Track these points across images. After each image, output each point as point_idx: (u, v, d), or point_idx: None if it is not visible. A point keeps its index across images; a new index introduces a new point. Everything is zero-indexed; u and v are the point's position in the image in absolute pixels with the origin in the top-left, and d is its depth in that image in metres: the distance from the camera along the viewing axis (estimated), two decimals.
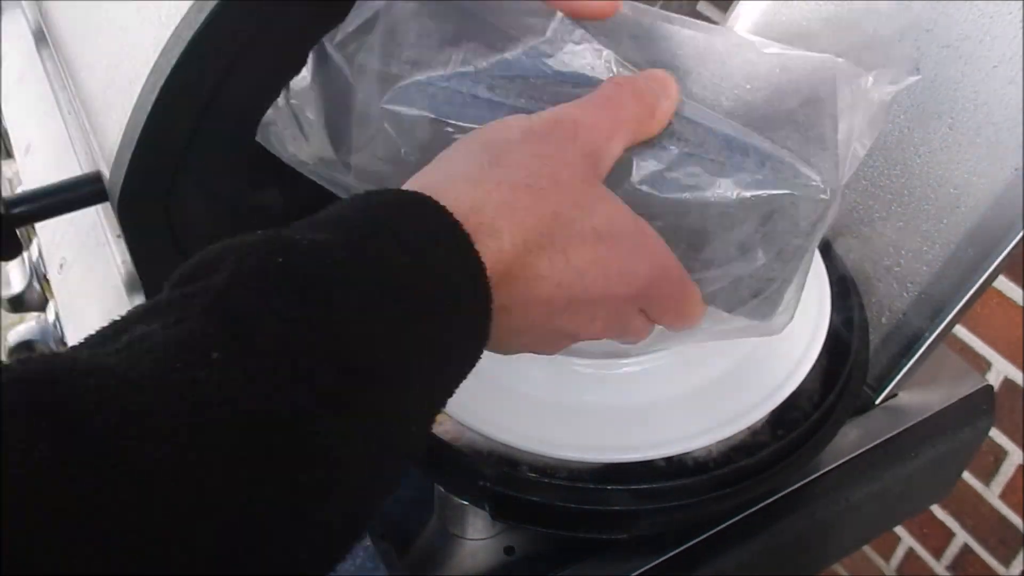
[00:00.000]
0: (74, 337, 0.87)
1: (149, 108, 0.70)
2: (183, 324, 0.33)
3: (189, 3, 0.69)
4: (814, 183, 0.48)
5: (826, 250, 0.73)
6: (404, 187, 0.42)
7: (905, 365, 0.73)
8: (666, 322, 0.51)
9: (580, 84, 0.50)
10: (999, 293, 1.20)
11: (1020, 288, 1.18)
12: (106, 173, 0.77)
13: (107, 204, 0.80)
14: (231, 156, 0.76)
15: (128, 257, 0.81)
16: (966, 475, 1.35)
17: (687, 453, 0.62)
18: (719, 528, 0.66)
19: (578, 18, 0.50)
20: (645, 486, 0.60)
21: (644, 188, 0.48)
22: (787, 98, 0.51)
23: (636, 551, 0.65)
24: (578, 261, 0.44)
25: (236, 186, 0.78)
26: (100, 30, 0.84)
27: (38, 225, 1.00)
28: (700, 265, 0.50)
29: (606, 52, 0.50)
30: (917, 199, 0.73)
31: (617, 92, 0.47)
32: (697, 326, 0.52)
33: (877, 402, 0.75)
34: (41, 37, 1.08)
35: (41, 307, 1.00)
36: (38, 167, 1.01)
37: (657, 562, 0.65)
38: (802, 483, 0.70)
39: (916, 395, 0.76)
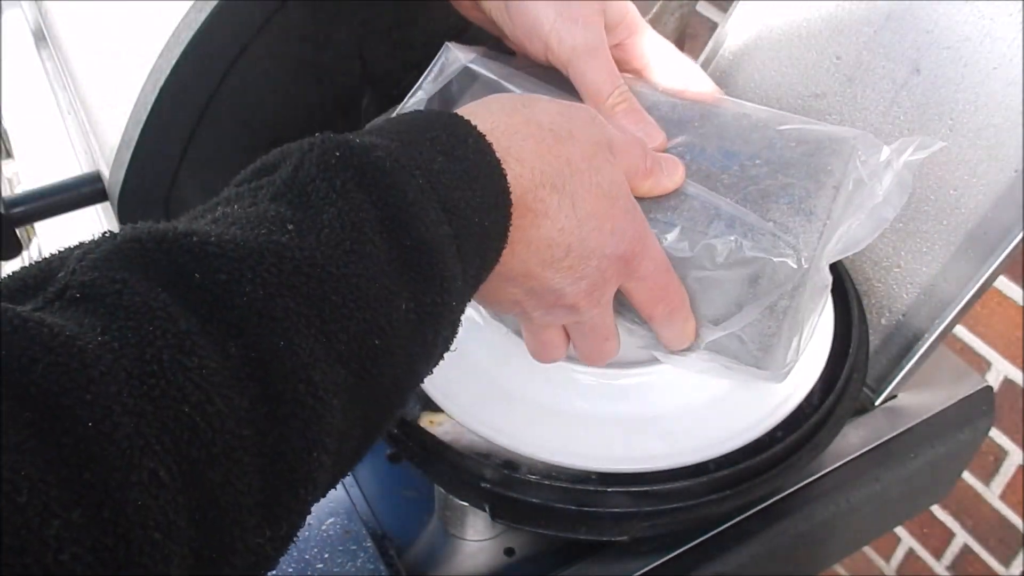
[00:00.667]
0: None
1: (149, 108, 0.70)
2: (256, 207, 0.38)
3: (188, 4, 0.69)
4: (788, 253, 0.53)
5: None
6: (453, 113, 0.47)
7: (905, 366, 0.73)
8: (647, 308, 0.54)
9: None
10: (999, 293, 1.20)
11: (1020, 288, 1.17)
12: (106, 173, 0.77)
13: (107, 204, 0.80)
14: (231, 155, 0.76)
15: None
16: (966, 475, 1.35)
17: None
18: (719, 530, 0.66)
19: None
20: (645, 488, 0.60)
21: None
22: (792, 170, 0.56)
23: (636, 553, 0.65)
24: (581, 210, 0.48)
25: None
26: (99, 31, 0.84)
27: (38, 225, 1.00)
28: (703, 319, 0.57)
29: None
30: (917, 200, 0.73)
31: (638, 141, 0.55)
32: (696, 350, 0.59)
33: (877, 403, 0.75)
34: (41, 37, 1.08)
35: None
36: (38, 167, 1.01)
37: (657, 564, 0.65)
38: (802, 484, 0.70)
39: (916, 396, 0.76)
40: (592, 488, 0.60)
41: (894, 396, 0.76)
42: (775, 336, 0.57)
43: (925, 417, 0.75)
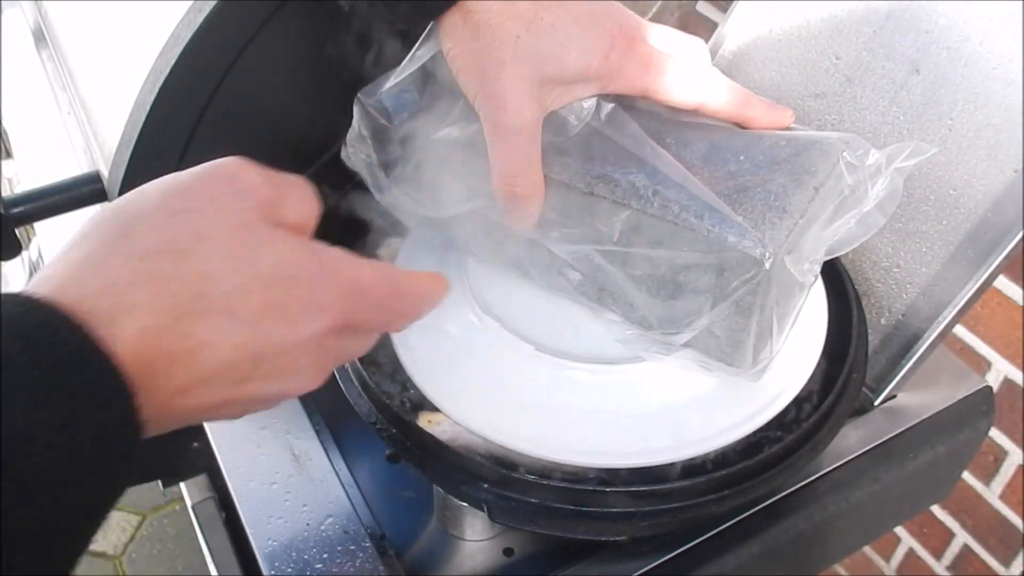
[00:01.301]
0: None
1: (148, 108, 0.70)
2: None
3: (188, 4, 0.69)
4: (752, 245, 0.54)
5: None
6: (33, 281, 0.38)
7: (904, 366, 0.73)
8: (383, 329, 0.50)
9: None
10: (999, 293, 1.20)
11: (1020, 288, 1.17)
12: (105, 173, 0.77)
13: (106, 204, 0.80)
14: (230, 155, 0.76)
15: None
16: (966, 475, 1.35)
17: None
18: (719, 529, 0.66)
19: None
20: (644, 488, 0.59)
21: (619, 247, 0.58)
22: (775, 168, 0.57)
23: (635, 553, 0.65)
24: (248, 315, 0.40)
25: None
26: (99, 31, 0.84)
27: (37, 225, 1.00)
28: (680, 313, 0.59)
29: None
30: (916, 200, 0.73)
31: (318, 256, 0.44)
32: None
33: (876, 403, 0.75)
34: (41, 37, 1.08)
35: None
36: (37, 167, 1.01)
37: (656, 564, 0.65)
38: (802, 484, 0.70)
39: (915, 396, 0.76)
40: (591, 488, 0.60)
41: (894, 396, 0.76)
42: (743, 332, 0.57)
43: (925, 417, 0.75)
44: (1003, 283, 1.19)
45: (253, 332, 0.40)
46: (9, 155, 1.10)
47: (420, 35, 0.59)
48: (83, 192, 0.78)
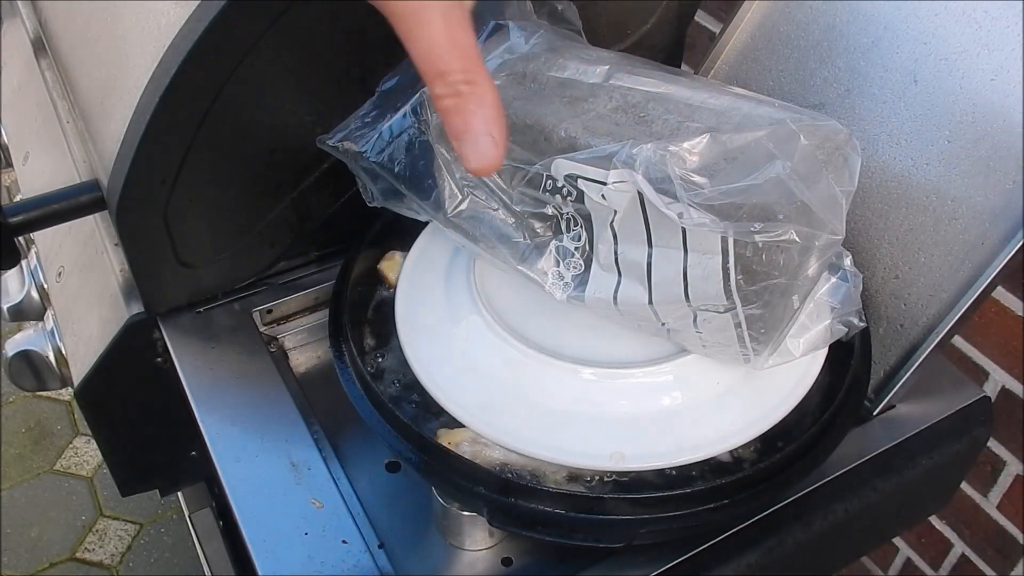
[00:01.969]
0: (73, 346, 0.87)
1: (148, 116, 0.70)
2: None
3: (187, 14, 0.69)
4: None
5: None
6: None
7: (903, 376, 0.73)
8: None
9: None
10: (998, 304, 1.20)
11: (1019, 299, 1.18)
12: (104, 181, 0.77)
13: (105, 212, 0.80)
14: (230, 164, 0.76)
15: (126, 265, 0.81)
16: (964, 485, 1.35)
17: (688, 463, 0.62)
18: (717, 539, 0.66)
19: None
20: (643, 495, 0.59)
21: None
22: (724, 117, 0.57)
23: (633, 563, 0.65)
24: None
25: (234, 195, 0.78)
26: (99, 40, 0.84)
27: (36, 234, 1.00)
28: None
29: None
30: (915, 210, 0.73)
31: None
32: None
33: (875, 413, 0.75)
34: (40, 46, 1.08)
35: (39, 316, 1.00)
36: (37, 176, 1.01)
37: (654, 574, 0.65)
38: (801, 494, 0.70)
39: (914, 406, 0.76)
40: (591, 494, 0.60)
41: (892, 406, 0.76)
42: (760, 321, 0.57)
43: (923, 427, 0.75)
44: (1001, 294, 1.19)
45: None
46: (8, 164, 1.11)
47: None
48: (82, 201, 0.78)
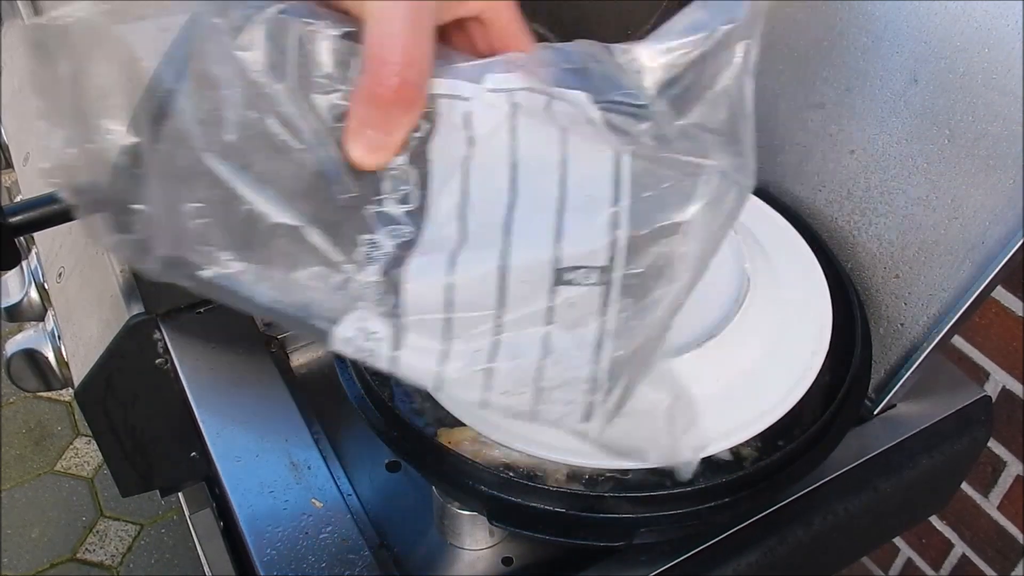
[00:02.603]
0: (73, 346, 0.87)
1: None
2: None
3: (189, 12, 0.69)
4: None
5: (826, 259, 0.73)
6: None
7: (903, 376, 0.73)
8: None
9: None
10: (998, 304, 1.20)
11: (1019, 299, 1.18)
12: None
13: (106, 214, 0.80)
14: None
15: (127, 266, 0.81)
16: (964, 486, 1.35)
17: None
18: (718, 538, 0.66)
19: None
20: (643, 494, 0.59)
21: None
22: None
23: (633, 562, 0.65)
24: None
25: (235, 195, 0.78)
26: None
27: (37, 234, 1.00)
28: None
29: None
30: (915, 210, 0.73)
31: None
32: None
33: (875, 413, 0.75)
34: None
35: (40, 316, 1.00)
36: (37, 177, 1.01)
37: (654, 574, 0.65)
38: (801, 493, 0.70)
39: (914, 406, 0.76)
40: (591, 493, 0.60)
41: (892, 406, 0.76)
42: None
43: (923, 427, 0.75)
44: (1002, 294, 1.19)
45: None
46: (8, 165, 1.11)
47: None
48: None
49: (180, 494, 0.97)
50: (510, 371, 0.43)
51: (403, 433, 0.63)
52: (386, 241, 0.43)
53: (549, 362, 0.43)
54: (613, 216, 0.41)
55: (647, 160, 0.41)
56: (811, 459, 0.63)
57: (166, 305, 0.81)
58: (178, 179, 0.44)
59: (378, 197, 0.43)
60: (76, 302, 0.89)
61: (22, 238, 1.04)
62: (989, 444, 1.27)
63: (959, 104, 0.71)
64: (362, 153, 0.42)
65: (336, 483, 0.69)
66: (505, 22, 0.45)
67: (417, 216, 0.43)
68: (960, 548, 1.43)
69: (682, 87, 0.43)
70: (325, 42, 0.41)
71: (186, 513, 0.94)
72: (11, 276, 1.02)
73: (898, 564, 1.55)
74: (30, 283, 1.00)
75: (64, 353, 0.90)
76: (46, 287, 0.97)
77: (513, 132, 0.41)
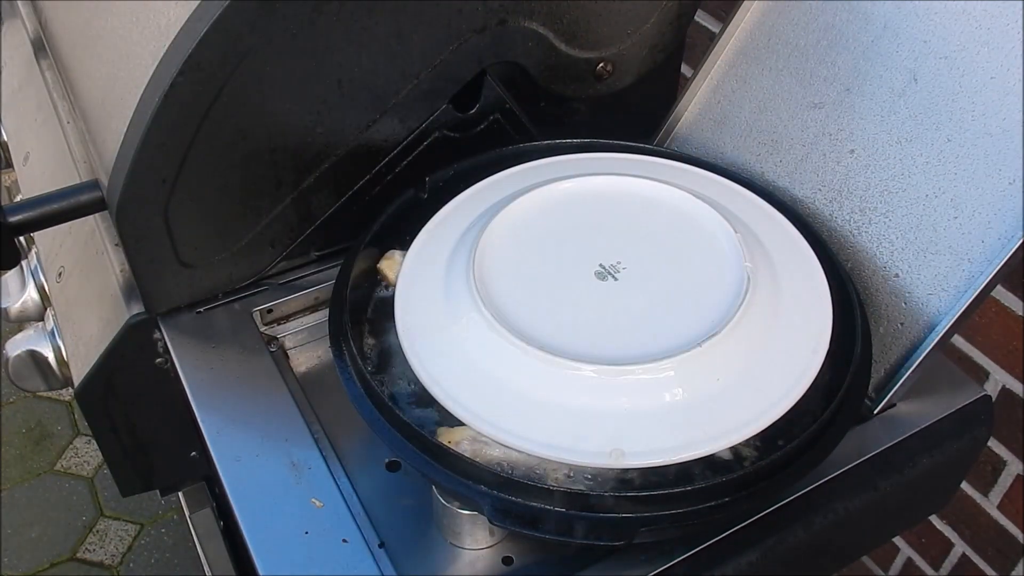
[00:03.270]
0: (73, 346, 0.87)
1: (148, 117, 0.70)
2: None
3: (187, 14, 0.69)
4: None
5: (826, 259, 0.73)
6: None
7: (903, 375, 0.73)
8: None
9: None
10: (998, 303, 1.20)
11: (1019, 299, 1.17)
12: (104, 181, 0.77)
13: (105, 212, 0.80)
14: (229, 164, 0.76)
15: (127, 266, 0.81)
16: (964, 485, 1.35)
17: (688, 461, 0.62)
18: (718, 538, 0.66)
19: None
20: (644, 493, 0.59)
21: None
22: None
23: (633, 561, 0.65)
24: None
25: (234, 195, 0.78)
26: (99, 40, 0.84)
27: (37, 234, 1.00)
28: None
29: None
30: (915, 209, 0.73)
31: None
32: None
33: (876, 412, 0.75)
34: (40, 47, 1.08)
35: (40, 316, 1.00)
36: (37, 176, 1.01)
37: (654, 573, 0.65)
38: (801, 493, 0.70)
39: (914, 405, 0.76)
40: (592, 492, 0.60)
41: (893, 405, 0.76)
42: None
43: (924, 426, 0.75)
44: (1002, 294, 1.19)
45: None
46: (8, 164, 1.11)
47: None
48: (82, 201, 0.78)
49: (180, 494, 0.97)
50: None
51: (403, 433, 0.63)
52: None
53: None
54: None
55: None
56: (811, 459, 0.63)
57: (166, 305, 0.81)
58: None
59: None
60: (76, 302, 0.89)
61: (22, 238, 1.04)
62: (989, 443, 1.27)
63: (959, 104, 0.71)
64: None
65: (336, 483, 0.69)
66: None
67: None
68: (960, 547, 1.43)
69: None
70: None
71: (186, 513, 0.94)
72: (11, 275, 1.02)
73: (898, 564, 1.55)
74: (30, 282, 1.00)
75: (64, 353, 0.90)
76: (46, 287, 0.97)
77: None
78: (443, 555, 0.69)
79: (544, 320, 0.66)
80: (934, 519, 1.44)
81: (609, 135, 0.87)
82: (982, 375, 1.25)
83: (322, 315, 0.85)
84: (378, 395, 0.65)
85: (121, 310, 0.81)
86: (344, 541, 0.65)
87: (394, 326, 0.69)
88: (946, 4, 0.72)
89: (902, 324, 0.74)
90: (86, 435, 2.13)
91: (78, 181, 0.82)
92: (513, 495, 0.59)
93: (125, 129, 0.73)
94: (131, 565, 1.91)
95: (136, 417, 0.86)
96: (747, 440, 0.62)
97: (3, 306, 1.02)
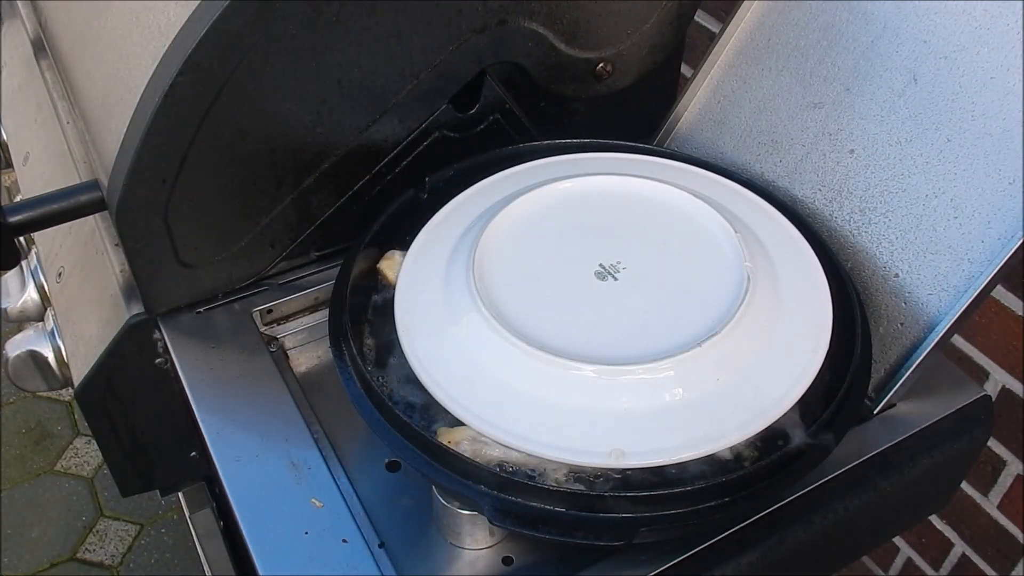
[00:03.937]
0: (73, 346, 0.87)
1: (148, 117, 0.70)
2: None
3: (187, 14, 0.69)
4: None
5: (826, 259, 0.73)
6: None
7: (903, 375, 0.73)
8: None
9: None
10: (998, 303, 1.20)
11: (1019, 299, 1.18)
12: (104, 182, 0.77)
13: (105, 213, 0.80)
14: (229, 164, 0.76)
15: (127, 266, 0.81)
16: (964, 485, 1.35)
17: (688, 461, 0.62)
18: (718, 538, 0.66)
19: None
20: (644, 493, 0.59)
21: None
22: None
23: (633, 562, 0.65)
24: None
25: (235, 195, 0.78)
26: (99, 40, 0.84)
27: (37, 234, 1.00)
28: None
29: None
30: (915, 209, 0.73)
31: None
32: None
33: (875, 412, 0.75)
34: (40, 47, 1.08)
35: (39, 316, 1.00)
36: (37, 176, 1.01)
37: (654, 573, 0.65)
38: (801, 493, 0.70)
39: (914, 405, 0.76)
40: (591, 492, 0.60)
41: (893, 405, 0.76)
42: None
43: (924, 426, 0.75)
44: (1002, 294, 1.19)
45: None
46: (8, 164, 1.11)
47: None
48: (82, 201, 0.78)
49: (180, 494, 0.97)
50: None
51: (403, 433, 0.63)
52: None
53: None
54: None
55: None
56: (811, 459, 0.63)
57: (166, 305, 0.81)
58: None
59: None
60: (76, 302, 0.89)
61: (22, 238, 1.04)
62: (989, 443, 1.27)
63: (959, 104, 0.71)
64: None
65: (336, 483, 0.69)
66: None
67: None
68: (960, 547, 1.43)
69: None
70: None
71: (186, 513, 0.94)
72: (11, 275, 1.02)
73: (898, 563, 1.55)
74: (30, 283, 1.00)
75: (64, 353, 0.90)
76: (46, 287, 0.97)
77: None
78: (443, 555, 0.69)
79: (544, 320, 0.66)
80: (934, 519, 1.44)
81: (609, 135, 0.87)
82: (982, 375, 1.25)
83: (322, 315, 0.85)
84: (378, 395, 0.65)
85: (121, 310, 0.81)
86: (344, 541, 0.65)
87: (394, 326, 0.69)
88: (946, 4, 0.72)
89: (902, 324, 0.74)
90: (86, 435, 2.13)
91: (78, 181, 0.82)
92: (513, 495, 0.59)
93: (125, 129, 0.73)
94: (131, 565, 1.91)
95: (136, 417, 0.86)
96: (747, 440, 0.62)
97: (3, 306, 1.02)
